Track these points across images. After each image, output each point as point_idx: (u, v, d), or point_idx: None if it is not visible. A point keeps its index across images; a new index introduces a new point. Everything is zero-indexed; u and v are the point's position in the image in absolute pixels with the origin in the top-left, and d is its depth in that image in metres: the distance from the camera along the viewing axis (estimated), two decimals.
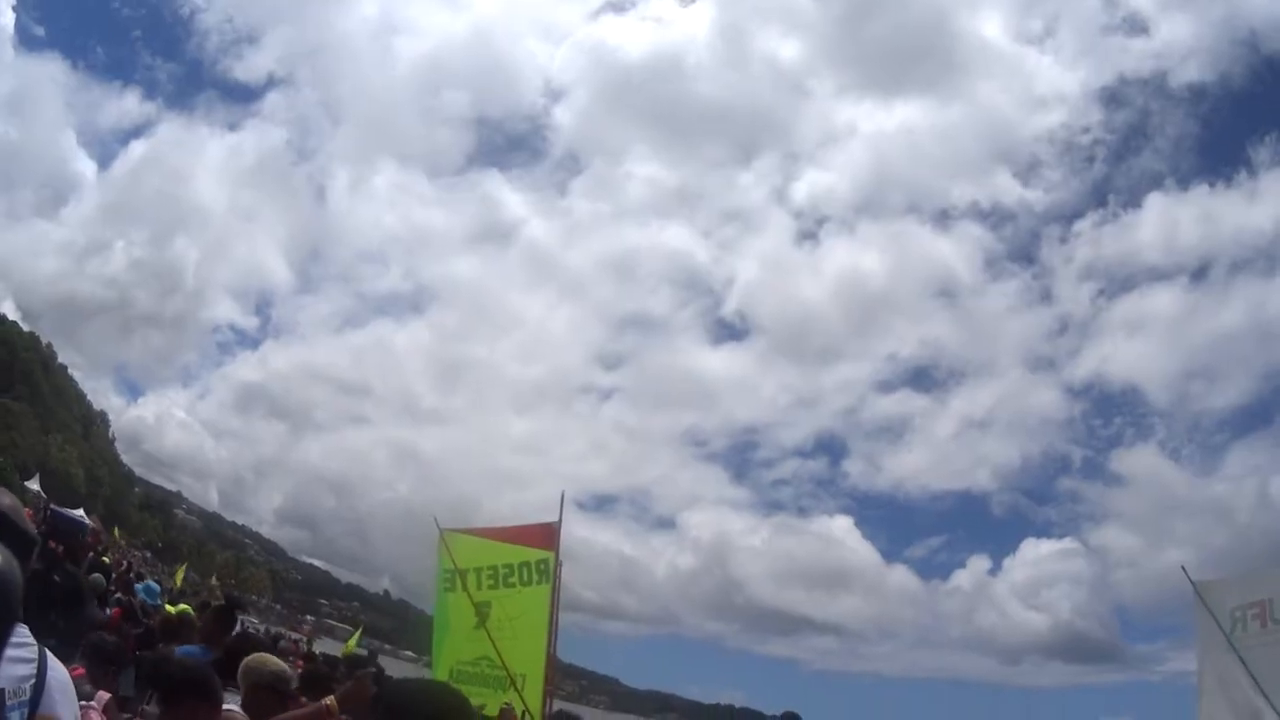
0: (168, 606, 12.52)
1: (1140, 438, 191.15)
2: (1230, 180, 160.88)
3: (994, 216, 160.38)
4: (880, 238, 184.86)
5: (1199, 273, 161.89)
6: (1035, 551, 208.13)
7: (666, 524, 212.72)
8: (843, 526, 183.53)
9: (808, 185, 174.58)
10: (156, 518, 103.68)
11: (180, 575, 34.39)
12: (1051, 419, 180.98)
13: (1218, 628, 11.97)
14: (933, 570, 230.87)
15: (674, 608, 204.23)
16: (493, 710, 7.68)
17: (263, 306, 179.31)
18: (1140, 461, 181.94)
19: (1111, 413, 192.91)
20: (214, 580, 62.82)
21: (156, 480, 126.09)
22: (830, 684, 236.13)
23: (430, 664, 9.38)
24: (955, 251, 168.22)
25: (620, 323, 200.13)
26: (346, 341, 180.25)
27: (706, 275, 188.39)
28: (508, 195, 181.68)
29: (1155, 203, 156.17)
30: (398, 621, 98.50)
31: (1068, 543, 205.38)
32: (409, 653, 49.61)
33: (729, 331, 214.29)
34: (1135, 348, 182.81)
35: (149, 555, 63.33)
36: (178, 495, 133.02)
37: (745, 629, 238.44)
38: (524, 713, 8.01)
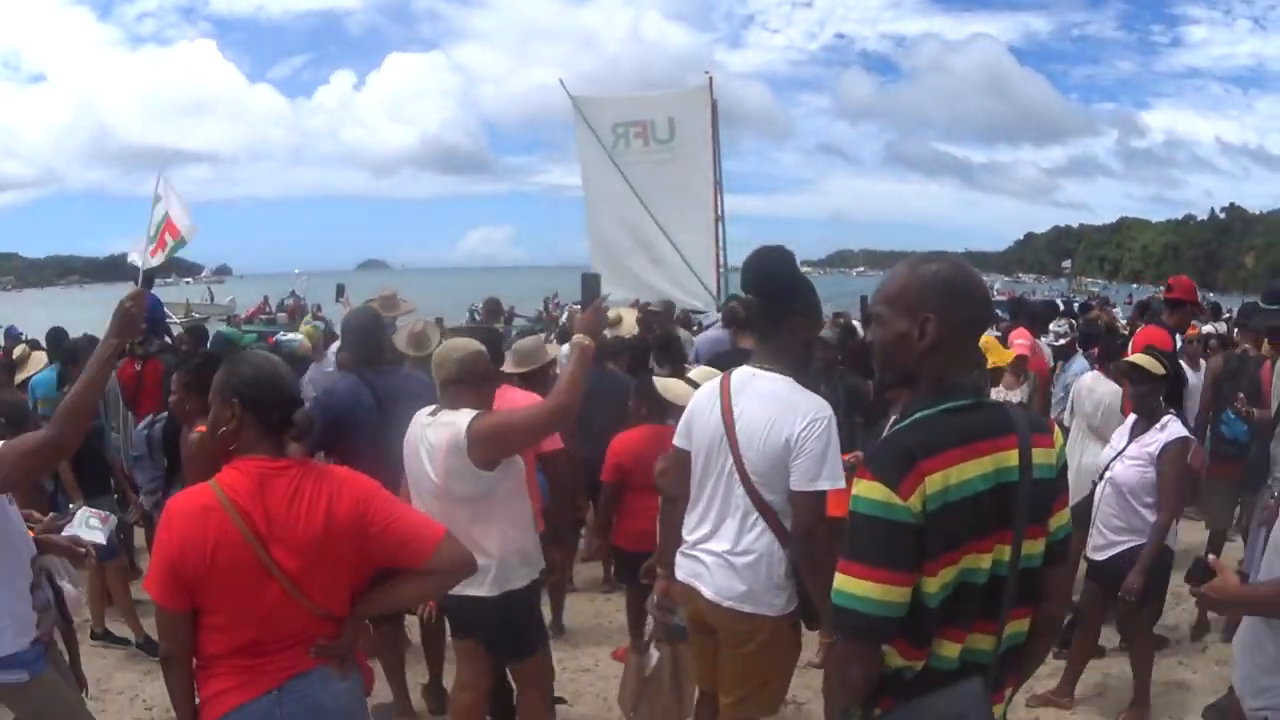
0: None
1: None
2: None
3: None
4: None
5: None
6: (400, 66, 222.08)
7: (38, 78, 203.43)
8: (205, 50, 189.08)
9: None
10: None
11: None
12: None
13: (598, 142, 12.65)
14: (297, 89, 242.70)
15: (55, 165, 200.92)
16: None
17: None
18: None
19: None
20: None
21: None
22: (213, 214, 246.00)
23: None
24: None
25: None
26: None
27: None
28: None
29: None
30: None
31: (433, 57, 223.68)
32: None
33: None
34: None
35: None
36: None
37: (124, 173, 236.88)
38: None
